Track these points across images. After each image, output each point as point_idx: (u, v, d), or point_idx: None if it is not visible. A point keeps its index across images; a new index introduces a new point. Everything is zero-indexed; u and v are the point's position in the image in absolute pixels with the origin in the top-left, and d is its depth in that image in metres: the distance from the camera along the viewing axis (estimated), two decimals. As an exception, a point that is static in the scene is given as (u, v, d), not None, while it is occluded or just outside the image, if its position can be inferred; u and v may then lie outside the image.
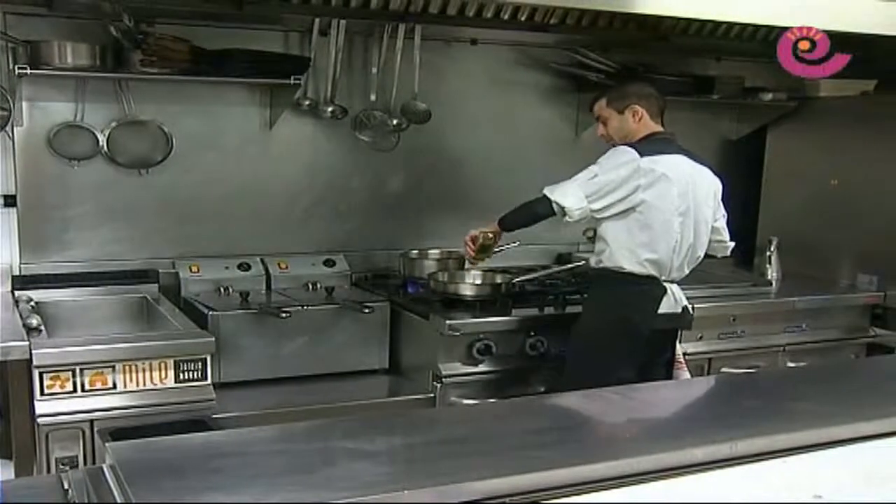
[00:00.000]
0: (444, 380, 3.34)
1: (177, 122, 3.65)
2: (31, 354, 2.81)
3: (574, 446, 1.76)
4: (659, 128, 3.37)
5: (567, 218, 3.28)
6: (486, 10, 3.72)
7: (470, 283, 3.65)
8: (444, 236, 4.09)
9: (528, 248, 4.13)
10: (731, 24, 4.10)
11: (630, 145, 3.26)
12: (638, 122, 3.32)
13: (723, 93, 4.41)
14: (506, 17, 3.80)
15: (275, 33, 3.71)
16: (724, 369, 3.83)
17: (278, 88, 3.65)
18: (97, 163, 3.57)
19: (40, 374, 2.82)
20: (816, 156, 4.51)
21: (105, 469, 1.59)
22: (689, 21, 3.94)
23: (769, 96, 4.49)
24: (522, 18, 3.84)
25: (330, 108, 3.77)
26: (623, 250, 3.23)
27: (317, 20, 3.64)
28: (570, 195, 3.24)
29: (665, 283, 3.27)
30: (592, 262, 3.40)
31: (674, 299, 3.30)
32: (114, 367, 2.90)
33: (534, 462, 1.62)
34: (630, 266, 3.22)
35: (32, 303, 3.33)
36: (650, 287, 3.24)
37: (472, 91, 4.15)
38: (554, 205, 3.26)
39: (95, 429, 2.87)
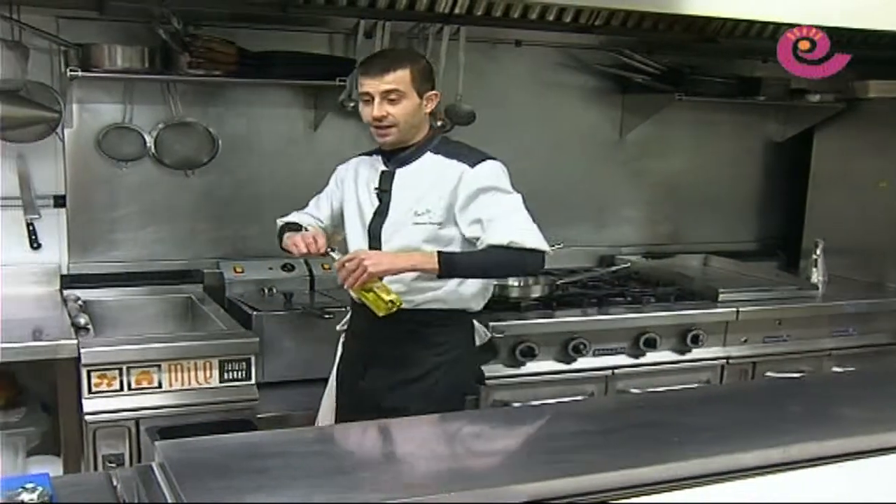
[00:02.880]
0: (486, 381, 3.33)
1: (222, 124, 3.68)
2: (79, 353, 2.85)
3: (622, 450, 1.74)
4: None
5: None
6: (532, 11, 3.70)
7: (513, 286, 3.63)
8: (486, 238, 4.10)
9: (570, 250, 4.13)
10: (777, 25, 4.04)
11: (486, 155, 2.77)
12: (430, 113, 2.82)
13: (769, 95, 4.36)
14: (551, 18, 3.78)
15: (320, 35, 3.73)
16: (768, 373, 3.78)
17: (323, 90, 3.68)
18: (144, 164, 3.61)
19: (88, 373, 2.86)
20: (864, 158, 4.44)
21: (154, 467, 1.61)
22: (737, 22, 3.90)
23: (816, 98, 4.43)
24: (567, 20, 3.82)
25: (374, 110, 3.78)
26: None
27: (362, 22, 3.65)
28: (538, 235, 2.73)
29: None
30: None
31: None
32: (159, 366, 2.93)
33: (581, 465, 1.61)
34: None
35: (80, 302, 3.37)
36: None
37: (516, 93, 4.14)
38: (545, 256, 2.73)
39: (141, 427, 2.90)
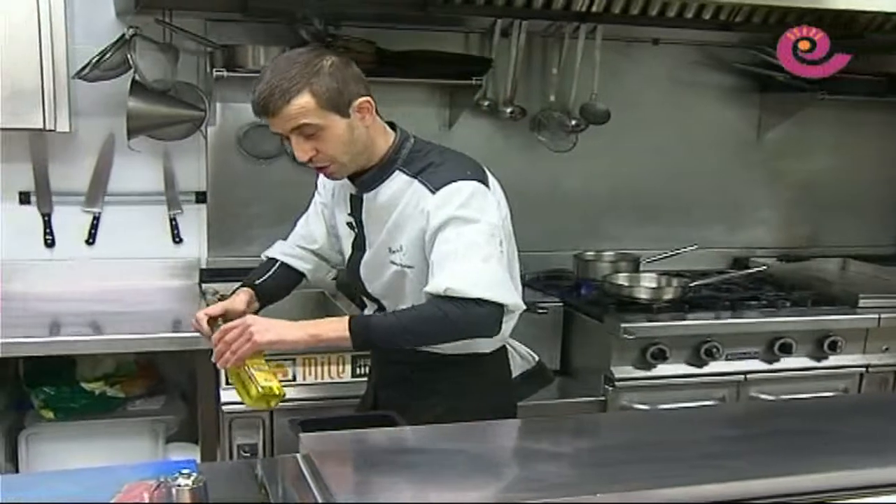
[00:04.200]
0: (616, 383, 3.30)
1: (359, 123, 3.73)
2: (217, 345, 2.93)
3: (769, 457, 1.69)
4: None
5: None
6: (670, 8, 3.63)
7: (645, 287, 3.59)
8: (618, 238, 4.07)
9: (703, 251, 4.07)
10: (932, 19, 3.88)
11: (456, 173, 2.19)
12: (372, 122, 2.24)
13: (922, 93, 4.16)
14: (689, 15, 3.70)
15: (456, 34, 3.75)
16: (910, 383, 3.63)
17: (458, 89, 3.69)
18: (283, 161, 3.69)
19: (225, 364, 2.94)
20: None
21: (299, 459, 1.64)
22: (887, 16, 3.74)
23: (970, 97, 4.22)
24: (707, 17, 3.73)
25: (509, 109, 3.78)
26: None
27: (498, 21, 3.65)
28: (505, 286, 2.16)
29: None
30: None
31: None
32: (294, 359, 3.00)
33: (724, 471, 1.58)
34: None
35: (218, 295, 3.46)
36: None
37: (652, 92, 4.08)
38: (502, 310, 2.12)
39: (275, 418, 2.98)
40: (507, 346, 2.50)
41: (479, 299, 2.02)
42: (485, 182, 2.20)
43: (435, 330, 2.10)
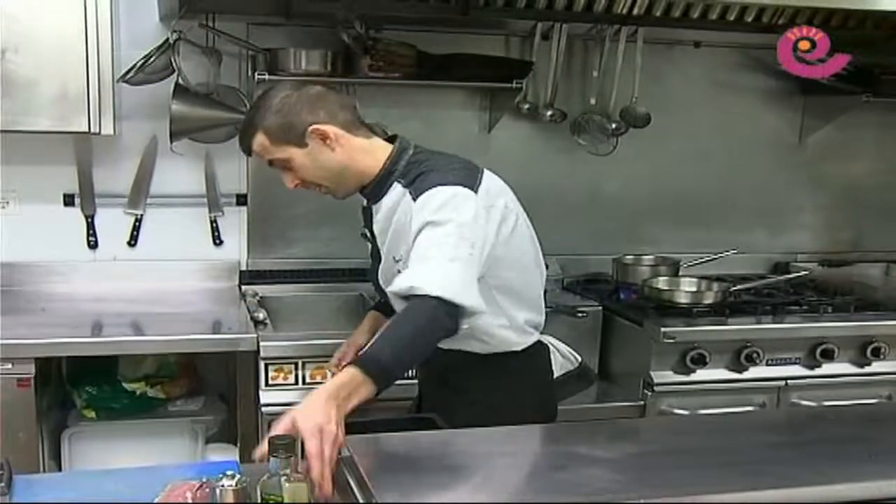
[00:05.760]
0: (655, 388, 3.28)
1: (399, 126, 3.67)
2: (258, 346, 2.95)
3: (810, 464, 1.67)
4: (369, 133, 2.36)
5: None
6: (712, 11, 3.61)
7: (685, 291, 3.56)
8: (657, 242, 4.04)
9: (744, 256, 4.04)
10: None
11: (440, 178, 2.20)
12: (341, 146, 2.24)
13: (968, 97, 4.10)
14: (731, 18, 3.68)
15: (496, 37, 3.74)
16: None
17: (498, 92, 3.69)
18: (322, 164, 3.71)
19: (266, 366, 2.95)
20: None
21: (341, 461, 1.65)
22: (938, 17, 3.70)
23: None
24: (749, 19, 3.71)
25: (549, 112, 3.77)
26: None
27: (539, 24, 3.65)
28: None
29: None
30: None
31: None
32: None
33: (770, 478, 1.56)
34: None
35: (258, 297, 3.49)
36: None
37: (693, 95, 4.05)
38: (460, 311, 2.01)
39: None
40: (549, 346, 2.51)
41: (437, 297, 1.95)
42: (471, 185, 2.19)
43: (420, 329, 1.98)
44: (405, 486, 1.47)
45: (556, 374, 2.52)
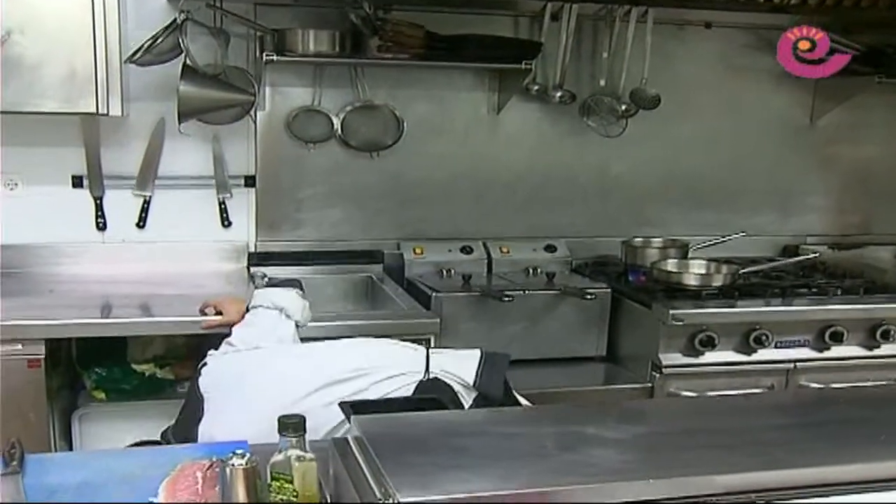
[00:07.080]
0: (663, 370, 3.29)
1: (408, 107, 3.74)
2: (267, 327, 2.94)
3: (818, 446, 1.66)
4: None
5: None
6: (723, -9, 3.60)
7: (694, 273, 3.56)
8: (666, 224, 4.04)
9: (753, 239, 4.04)
10: None
11: None
12: None
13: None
14: (744, -2, 3.67)
15: (505, 18, 3.72)
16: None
17: (507, 73, 3.68)
18: (331, 146, 3.71)
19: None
20: None
21: (350, 441, 1.65)
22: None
23: None
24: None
25: (558, 94, 3.75)
26: None
27: (549, 5, 3.63)
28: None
29: None
30: None
31: None
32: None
33: (778, 459, 1.55)
34: None
35: (266, 279, 3.49)
36: None
37: (703, 76, 4.03)
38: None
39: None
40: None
41: None
42: None
43: None
44: (415, 466, 1.47)
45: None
